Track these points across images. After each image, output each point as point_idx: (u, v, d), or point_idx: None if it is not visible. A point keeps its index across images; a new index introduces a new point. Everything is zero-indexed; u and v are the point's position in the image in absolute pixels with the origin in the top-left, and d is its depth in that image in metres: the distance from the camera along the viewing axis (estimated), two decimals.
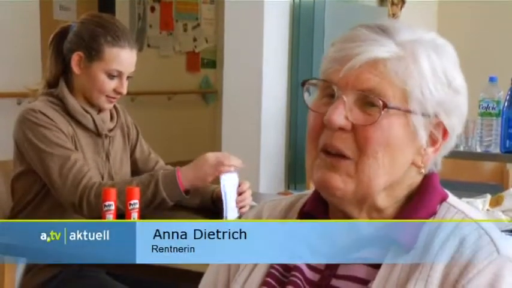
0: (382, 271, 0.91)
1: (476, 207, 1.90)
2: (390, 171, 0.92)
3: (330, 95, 0.93)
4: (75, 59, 2.00)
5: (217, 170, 1.95)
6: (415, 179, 0.97)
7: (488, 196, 1.97)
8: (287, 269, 0.99)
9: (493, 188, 2.58)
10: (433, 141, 0.95)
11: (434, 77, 0.92)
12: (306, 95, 0.97)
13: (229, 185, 1.96)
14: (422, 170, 0.96)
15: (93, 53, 1.98)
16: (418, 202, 0.95)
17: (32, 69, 4.14)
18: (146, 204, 1.91)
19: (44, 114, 1.96)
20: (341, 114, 0.90)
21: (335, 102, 0.91)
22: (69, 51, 2.02)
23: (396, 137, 0.91)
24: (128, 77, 2.04)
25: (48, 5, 5.03)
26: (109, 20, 2.04)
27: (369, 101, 0.91)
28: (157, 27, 6.20)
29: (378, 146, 0.90)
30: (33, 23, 4.56)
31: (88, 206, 1.90)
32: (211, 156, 1.96)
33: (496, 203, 1.94)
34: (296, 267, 0.98)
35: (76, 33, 2.02)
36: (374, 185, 0.91)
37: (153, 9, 6.15)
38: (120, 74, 2.01)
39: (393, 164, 0.92)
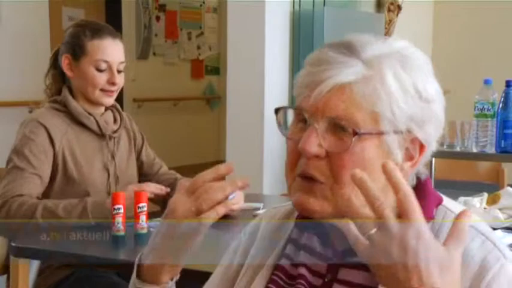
0: None
1: (473, 206, 1.93)
2: None
3: (303, 120, 0.92)
4: (64, 62, 2.07)
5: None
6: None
7: (485, 195, 1.99)
8: (291, 277, 1.00)
9: (489, 187, 2.59)
10: (409, 156, 0.93)
11: (403, 93, 0.90)
12: (278, 125, 0.96)
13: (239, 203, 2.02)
14: None
15: (77, 50, 2.05)
16: None
17: (42, 79, 4.23)
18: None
19: (41, 124, 2.01)
20: (314, 143, 0.89)
21: (307, 130, 0.90)
22: (60, 57, 2.10)
23: (370, 159, 0.90)
24: (119, 72, 2.08)
25: (57, 16, 5.13)
26: (90, 20, 2.12)
27: (341, 126, 0.89)
28: (162, 36, 6.25)
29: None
30: (43, 34, 4.65)
31: (7, 212, 1.89)
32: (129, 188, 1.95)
33: (492, 201, 1.97)
34: (300, 275, 0.98)
35: (63, 42, 2.11)
36: (352, 206, 0.84)
37: (158, 18, 6.21)
38: (109, 65, 2.06)
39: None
